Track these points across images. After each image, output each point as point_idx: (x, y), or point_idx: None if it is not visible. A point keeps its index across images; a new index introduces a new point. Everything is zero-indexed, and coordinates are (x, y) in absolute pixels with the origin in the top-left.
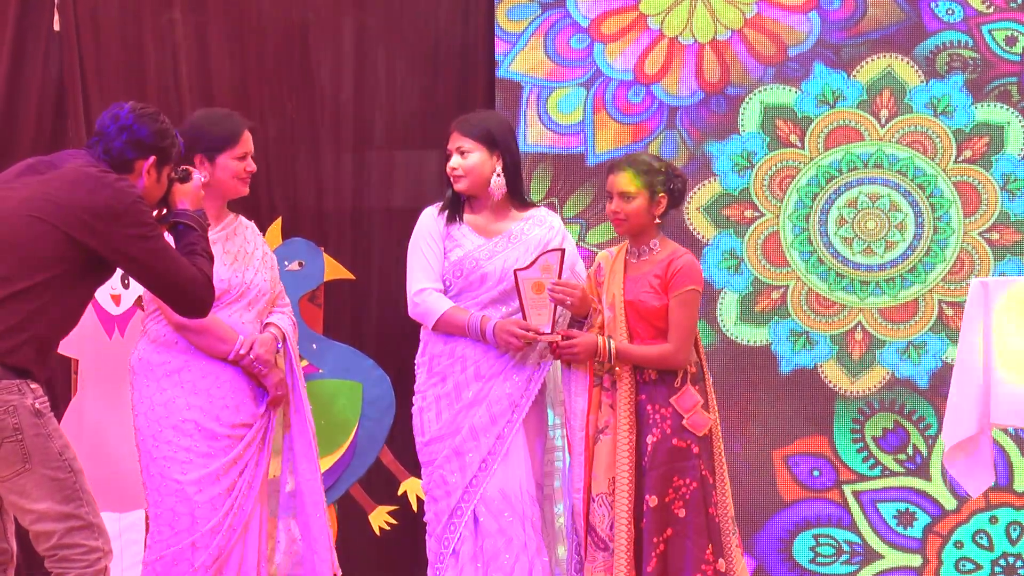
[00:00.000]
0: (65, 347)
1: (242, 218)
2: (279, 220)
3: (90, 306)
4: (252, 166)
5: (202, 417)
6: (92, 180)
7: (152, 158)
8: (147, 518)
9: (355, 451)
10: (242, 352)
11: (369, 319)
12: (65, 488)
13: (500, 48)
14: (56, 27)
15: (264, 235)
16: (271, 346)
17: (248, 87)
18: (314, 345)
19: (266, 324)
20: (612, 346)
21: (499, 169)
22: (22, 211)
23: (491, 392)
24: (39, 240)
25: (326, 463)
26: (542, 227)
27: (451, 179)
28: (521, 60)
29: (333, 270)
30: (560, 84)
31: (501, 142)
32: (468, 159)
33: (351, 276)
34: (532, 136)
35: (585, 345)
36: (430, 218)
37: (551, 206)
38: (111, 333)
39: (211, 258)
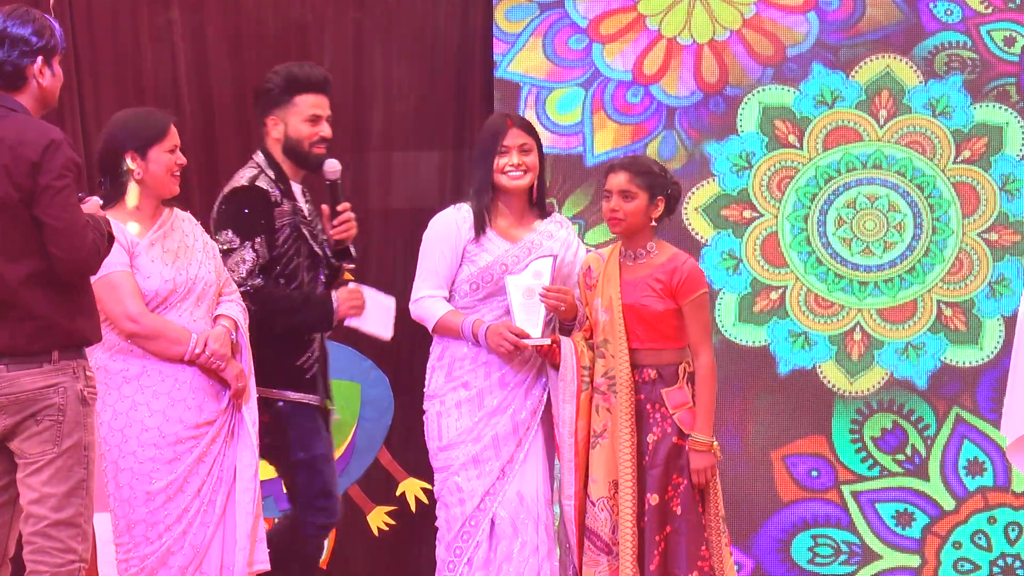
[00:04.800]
0: None
1: (177, 211)
2: None
3: None
4: (182, 159)
5: (164, 422)
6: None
7: (40, 59)
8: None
9: (353, 452)
10: (197, 351)
11: None
12: (75, 483)
13: (499, 48)
14: None
15: None
16: (225, 339)
17: (246, 87)
18: None
19: (217, 316)
20: (714, 442)
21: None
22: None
23: (514, 401)
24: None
25: None
26: (555, 240)
27: (510, 175)
28: (520, 60)
29: None
30: (559, 84)
31: (542, 148)
32: (531, 158)
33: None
34: None
35: (705, 461)
36: (453, 224)
37: (549, 206)
38: None
39: (103, 243)
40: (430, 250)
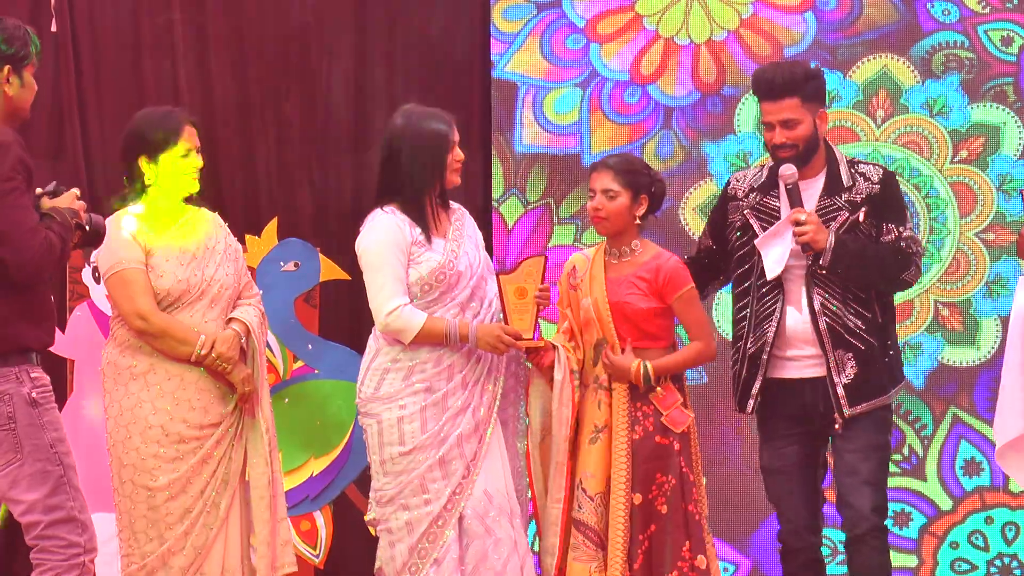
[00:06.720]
0: (62, 348)
1: (205, 212)
2: (275, 221)
3: (86, 307)
4: (198, 161)
5: (168, 421)
6: None
7: (7, 67)
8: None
9: (351, 452)
10: (203, 352)
11: (365, 320)
12: (54, 482)
13: (496, 48)
14: (53, 29)
15: (260, 236)
16: (233, 343)
17: (247, 88)
18: (310, 346)
19: (229, 320)
20: (649, 368)
21: None
22: None
23: (474, 399)
24: None
25: (322, 464)
26: (468, 224)
27: (457, 171)
28: (517, 60)
29: (329, 271)
30: (556, 84)
31: None
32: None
33: (347, 277)
34: (528, 136)
35: (620, 367)
36: (396, 228)
37: (547, 207)
38: (107, 334)
39: (65, 237)
40: (387, 258)
